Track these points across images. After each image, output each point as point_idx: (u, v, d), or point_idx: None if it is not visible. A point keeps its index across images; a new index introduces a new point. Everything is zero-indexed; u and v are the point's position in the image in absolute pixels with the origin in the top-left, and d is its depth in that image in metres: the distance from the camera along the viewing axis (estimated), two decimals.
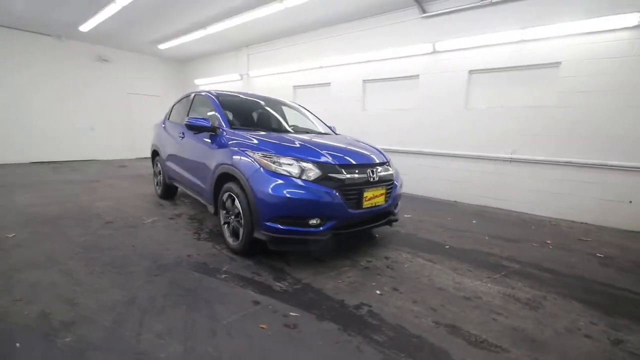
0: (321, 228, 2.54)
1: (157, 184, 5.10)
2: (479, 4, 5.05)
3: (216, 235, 3.40)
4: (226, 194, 2.93)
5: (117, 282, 2.32)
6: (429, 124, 5.88)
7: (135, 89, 10.50)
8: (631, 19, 3.92)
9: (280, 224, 2.48)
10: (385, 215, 3.04)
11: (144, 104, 10.71)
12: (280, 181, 2.48)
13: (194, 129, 3.35)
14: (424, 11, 5.64)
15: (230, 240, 2.95)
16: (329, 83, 7.36)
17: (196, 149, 3.55)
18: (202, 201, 3.57)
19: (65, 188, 5.49)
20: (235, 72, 9.63)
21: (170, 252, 2.91)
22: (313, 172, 2.53)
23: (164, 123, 4.88)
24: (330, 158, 2.66)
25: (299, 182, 2.49)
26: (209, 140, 3.32)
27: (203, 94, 4.07)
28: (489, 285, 2.54)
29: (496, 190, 5.23)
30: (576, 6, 4.30)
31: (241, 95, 4.06)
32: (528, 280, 2.64)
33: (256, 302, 2.14)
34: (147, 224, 3.73)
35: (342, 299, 2.22)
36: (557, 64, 4.58)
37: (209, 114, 3.85)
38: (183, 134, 3.93)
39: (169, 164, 4.43)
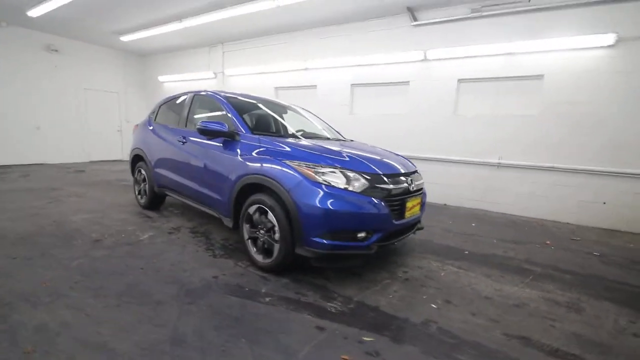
0: (368, 242, 2.42)
1: (139, 193, 4.56)
2: (469, 15, 5.30)
3: (233, 251, 3.10)
4: (253, 207, 2.67)
5: (146, 316, 1.98)
6: (419, 130, 6.02)
7: (91, 84, 9.38)
8: (608, 38, 4.37)
9: (328, 239, 2.31)
10: (415, 224, 3.01)
11: (100, 101, 9.62)
12: (328, 193, 2.30)
13: (208, 134, 3.01)
14: (415, 19, 5.77)
15: (258, 257, 2.69)
16: (315, 86, 7.22)
17: (205, 156, 3.20)
18: (213, 214, 3.24)
19: (24, 199, 4.67)
20: (208, 69, 9.05)
21: (190, 274, 2.57)
22: (360, 182, 2.40)
23: (149, 125, 4.37)
24: (375, 167, 2.55)
25: (349, 193, 2.34)
26: (223, 147, 3.02)
27: (204, 93, 3.71)
28: (526, 290, 2.62)
29: (485, 193, 5.52)
30: (560, 23, 4.69)
31: (243, 97, 3.75)
32: (556, 283, 2.78)
33: (320, 328, 1.95)
34: (144, 240, 3.29)
35: (405, 317, 2.12)
36: (540, 77, 4.96)
37: (211, 116, 3.53)
38: (184, 138, 3.54)
39: (161, 171, 3.97)
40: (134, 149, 4.56)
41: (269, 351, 1.72)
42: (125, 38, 8.29)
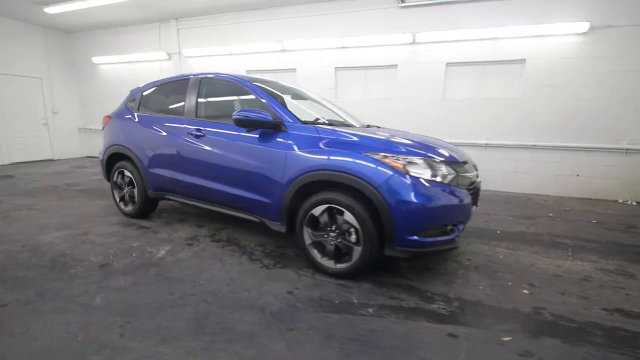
0: (454, 235, 2.29)
1: (122, 200, 3.76)
2: None
3: (281, 259, 2.72)
4: (320, 208, 2.33)
5: (249, 356, 1.58)
6: (407, 114, 6.05)
7: (5, 68, 7.48)
8: (582, 26, 4.80)
9: (425, 237, 2.12)
10: None
11: (19, 89, 7.76)
12: (423, 187, 2.09)
13: (249, 125, 2.53)
14: (402, 0, 5.67)
15: (327, 263, 2.38)
16: (294, 69, 6.76)
17: (239, 151, 2.70)
18: (251, 218, 2.79)
19: None
20: (159, 49, 7.88)
21: (258, 293, 2.17)
22: (449, 172, 2.23)
23: (131, 116, 3.58)
24: (454, 155, 2.40)
25: (442, 185, 2.16)
26: (260, 139, 2.58)
27: (212, 76, 3.14)
28: (578, 263, 2.79)
29: None
30: (540, 10, 5.01)
31: (261, 81, 3.25)
32: (592, 253, 3.00)
33: (452, 335, 1.78)
34: (165, 258, 2.71)
35: (514, 307, 2.06)
36: (522, 61, 5.30)
37: (226, 104, 3.01)
38: (199, 130, 2.96)
39: (159, 171, 3.30)
40: (110, 147, 3.71)
41: None
42: (50, 10, 6.69)
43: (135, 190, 3.55)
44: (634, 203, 4.95)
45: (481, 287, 2.32)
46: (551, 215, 4.25)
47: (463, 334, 1.79)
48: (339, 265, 2.34)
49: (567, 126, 5.20)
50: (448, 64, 5.71)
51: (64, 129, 8.91)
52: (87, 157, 9.42)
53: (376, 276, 2.41)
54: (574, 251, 3.04)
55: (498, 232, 3.54)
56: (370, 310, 2.00)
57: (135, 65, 8.34)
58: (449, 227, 2.24)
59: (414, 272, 2.51)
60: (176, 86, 3.39)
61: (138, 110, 3.60)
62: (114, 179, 3.75)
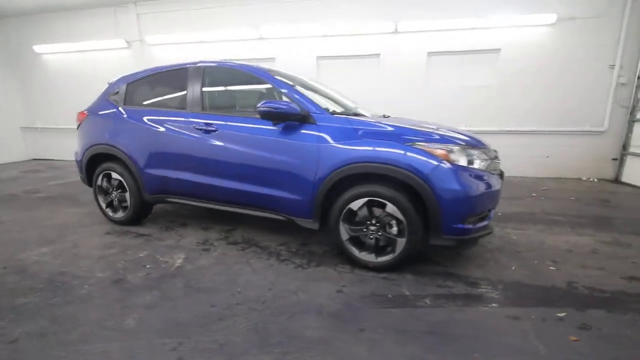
0: (487, 220, 2.36)
1: (110, 206, 3.35)
2: None
3: (313, 256, 2.61)
4: (359, 201, 2.25)
5: None
6: (391, 102, 6.12)
7: None
8: (551, 18, 5.18)
9: (470, 224, 2.15)
10: None
11: None
12: (468, 175, 2.11)
13: (276, 117, 2.35)
14: None
15: (368, 257, 2.33)
16: (273, 58, 6.49)
17: (261, 146, 2.51)
18: (276, 217, 2.63)
19: None
20: (116, 36, 7.09)
21: (307, 296, 2.05)
22: (484, 159, 2.27)
23: (116, 110, 3.18)
24: (483, 142, 2.44)
25: (483, 172, 2.20)
26: (284, 133, 2.43)
27: (215, 65, 2.89)
28: (582, 238, 3.04)
29: None
30: (514, 2, 5.31)
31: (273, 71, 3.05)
32: (587, 228, 3.29)
33: (514, 317, 1.83)
34: (184, 266, 2.46)
35: (551, 284, 2.19)
36: (498, 50, 5.60)
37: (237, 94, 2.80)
38: (209, 125, 2.70)
39: (158, 171, 2.99)
40: (91, 147, 3.27)
41: (516, 358, 1.53)
42: None
43: (127, 194, 3.18)
44: (596, 180, 5.54)
45: (513, 268, 2.42)
46: (535, 195, 4.60)
47: (522, 315, 1.85)
48: (381, 259, 2.30)
49: (538, 112, 5.63)
50: (430, 53, 5.85)
51: (4, 128, 7.74)
52: (34, 159, 8.30)
53: (413, 267, 2.41)
54: (572, 227, 3.32)
55: (499, 213, 3.75)
56: (427, 301, 1.99)
57: (87, 54, 7.44)
58: (485, 213, 2.30)
59: (446, 259, 2.56)
60: (171, 76, 3.06)
61: (124, 104, 3.20)
62: (99, 183, 3.32)
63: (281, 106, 2.31)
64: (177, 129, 2.84)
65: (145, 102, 3.17)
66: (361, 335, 1.68)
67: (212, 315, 1.86)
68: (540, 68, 5.45)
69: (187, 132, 2.79)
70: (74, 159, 3.58)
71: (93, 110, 3.34)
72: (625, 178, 5.38)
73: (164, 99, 3.07)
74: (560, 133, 5.60)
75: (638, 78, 5.11)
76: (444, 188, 2.07)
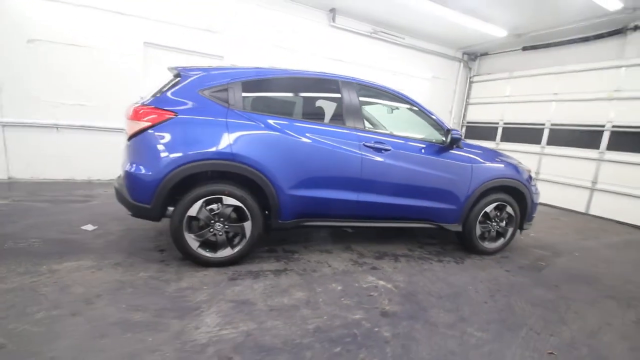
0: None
1: (203, 244, 2.42)
2: None
3: (451, 252, 3.26)
4: (492, 206, 3.18)
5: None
6: None
7: None
8: (429, 75, 7.74)
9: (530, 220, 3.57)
10: None
11: None
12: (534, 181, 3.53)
13: (455, 142, 2.88)
14: None
15: (489, 245, 3.29)
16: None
17: (430, 165, 2.95)
18: (425, 225, 3.07)
19: None
20: None
21: (507, 282, 2.79)
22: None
23: (245, 115, 2.43)
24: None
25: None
26: (442, 154, 3.00)
27: (353, 81, 2.92)
28: None
29: None
30: (410, 64, 7.49)
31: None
32: None
33: (611, 297, 3.39)
34: (397, 286, 2.50)
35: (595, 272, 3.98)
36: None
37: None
38: (381, 143, 2.75)
39: (307, 192, 2.61)
40: (191, 163, 2.26)
41: None
42: None
43: (248, 223, 2.47)
44: None
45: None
46: None
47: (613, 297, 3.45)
48: (493, 245, 3.34)
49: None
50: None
51: None
52: None
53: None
54: None
55: None
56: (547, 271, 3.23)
57: None
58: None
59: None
60: (311, 84, 2.73)
61: (243, 108, 2.46)
62: (193, 213, 2.33)
63: (459, 133, 2.88)
64: (342, 146, 2.64)
65: (269, 110, 2.59)
66: (575, 306, 2.69)
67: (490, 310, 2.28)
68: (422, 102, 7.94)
69: (355, 151, 2.67)
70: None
71: (187, 111, 2.29)
72: None
73: (307, 111, 2.67)
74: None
75: (462, 120, 8.55)
76: (533, 192, 3.39)
